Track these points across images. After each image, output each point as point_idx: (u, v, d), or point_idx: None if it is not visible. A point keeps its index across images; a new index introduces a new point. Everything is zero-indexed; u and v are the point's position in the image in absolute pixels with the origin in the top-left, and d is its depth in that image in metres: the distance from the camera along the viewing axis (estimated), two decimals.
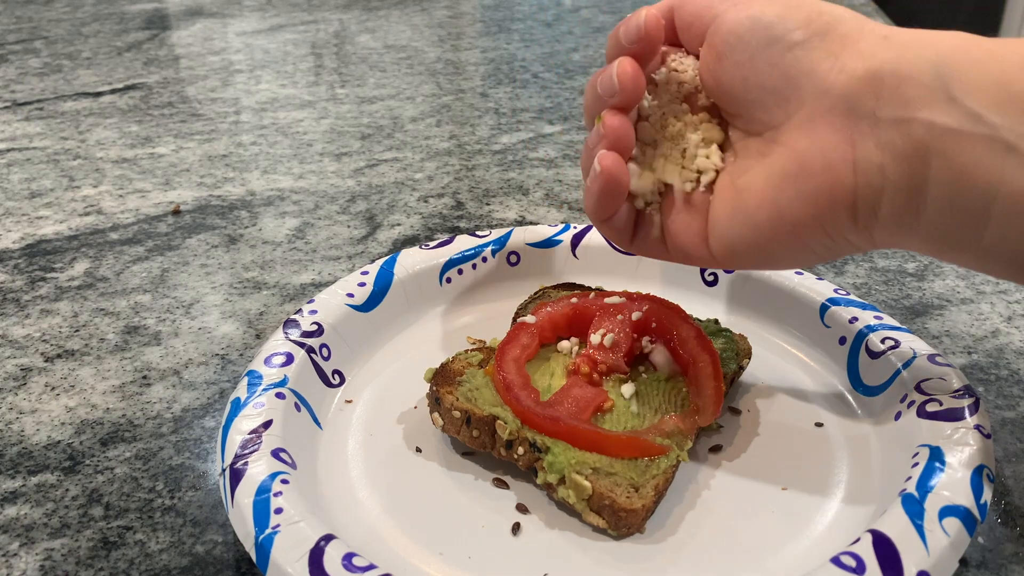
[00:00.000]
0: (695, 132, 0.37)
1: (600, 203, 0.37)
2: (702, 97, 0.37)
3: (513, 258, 0.53)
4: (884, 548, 0.30)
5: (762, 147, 0.35)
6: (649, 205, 0.38)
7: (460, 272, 0.51)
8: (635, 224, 0.39)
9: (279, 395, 0.39)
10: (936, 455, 0.34)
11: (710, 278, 0.51)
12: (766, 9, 0.34)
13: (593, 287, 0.48)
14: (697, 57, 0.37)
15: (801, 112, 0.33)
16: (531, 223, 0.63)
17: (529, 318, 0.43)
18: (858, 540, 0.31)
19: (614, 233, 0.39)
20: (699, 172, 0.37)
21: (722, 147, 0.37)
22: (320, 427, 0.41)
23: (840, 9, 0.34)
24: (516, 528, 0.36)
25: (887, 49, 0.31)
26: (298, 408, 0.40)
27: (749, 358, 0.44)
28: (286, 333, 0.43)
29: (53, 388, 0.46)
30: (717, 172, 0.37)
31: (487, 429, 0.38)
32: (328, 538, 0.31)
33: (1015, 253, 0.30)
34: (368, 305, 0.47)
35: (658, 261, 0.52)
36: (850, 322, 0.44)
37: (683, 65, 0.37)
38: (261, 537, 0.32)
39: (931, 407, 0.37)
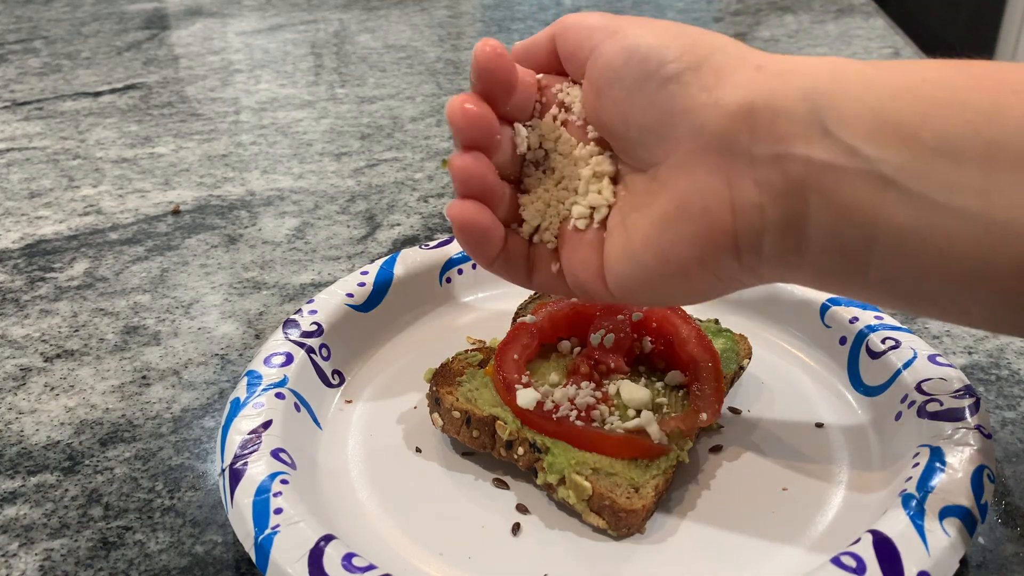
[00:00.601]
0: (586, 167, 0.35)
1: (470, 251, 0.35)
2: (590, 129, 0.35)
3: None
4: (884, 548, 0.30)
5: (647, 185, 0.33)
6: (539, 237, 0.37)
7: (460, 272, 0.51)
8: (530, 259, 0.37)
9: (279, 395, 0.39)
10: (936, 455, 0.34)
11: None
12: (640, 41, 0.32)
13: None
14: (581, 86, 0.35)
15: (679, 151, 0.32)
16: None
17: (529, 318, 0.43)
18: (858, 540, 0.31)
19: (506, 273, 0.37)
20: (592, 208, 0.35)
21: (614, 180, 0.35)
22: (320, 427, 0.41)
23: (720, 39, 0.32)
24: (516, 528, 0.36)
25: (760, 81, 0.30)
26: (298, 408, 0.40)
27: (749, 358, 0.44)
28: (286, 333, 0.43)
29: (52, 388, 0.46)
30: (609, 207, 0.35)
31: (487, 429, 0.38)
32: (328, 538, 0.31)
33: (901, 288, 0.29)
34: (368, 305, 0.47)
35: None
36: (850, 322, 0.44)
37: (569, 97, 0.35)
38: (261, 537, 0.32)
39: (932, 407, 0.37)
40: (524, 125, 0.36)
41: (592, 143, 0.35)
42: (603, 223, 0.35)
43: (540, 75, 0.36)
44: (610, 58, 0.32)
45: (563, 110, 0.36)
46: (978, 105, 0.27)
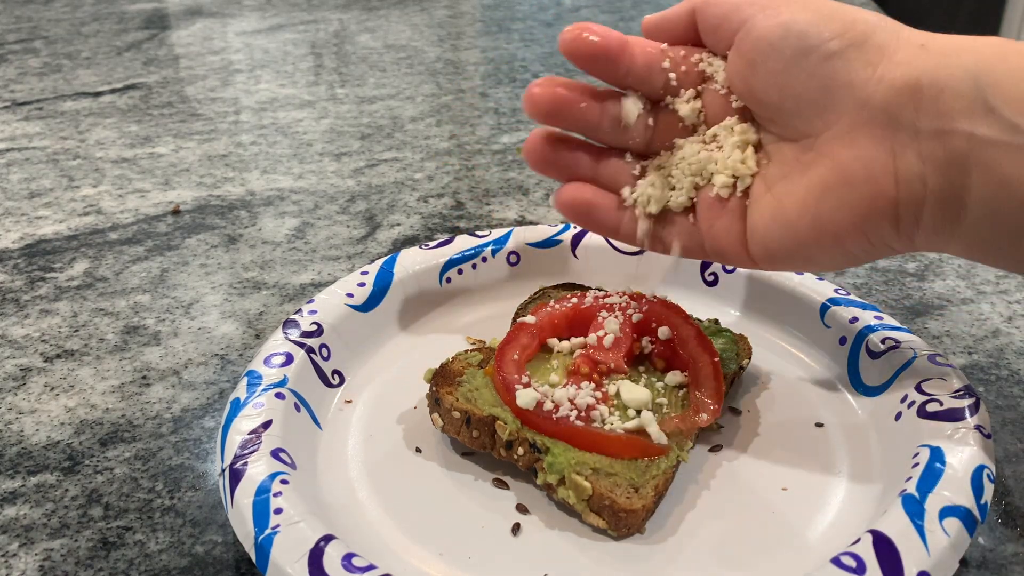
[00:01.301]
0: (731, 135, 0.37)
1: (585, 227, 0.39)
2: (733, 99, 0.37)
3: (513, 258, 0.52)
4: (884, 548, 0.30)
5: (798, 154, 0.35)
6: (674, 201, 0.38)
7: (460, 272, 0.51)
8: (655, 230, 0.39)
9: (279, 395, 0.39)
10: (936, 455, 0.34)
11: (710, 278, 0.51)
12: (797, 16, 0.33)
13: (593, 287, 0.48)
14: (724, 59, 0.37)
15: (840, 123, 0.33)
16: (531, 223, 0.63)
17: (529, 318, 0.43)
18: (858, 540, 0.31)
19: (634, 241, 0.39)
20: (735, 176, 0.37)
21: (756, 148, 0.37)
22: (320, 427, 0.41)
23: (875, 16, 0.33)
24: (516, 528, 0.36)
25: (925, 58, 0.31)
26: (298, 408, 0.40)
27: (749, 358, 0.44)
28: (286, 333, 0.43)
29: (52, 388, 0.46)
30: (753, 176, 0.37)
31: (487, 429, 0.38)
32: (328, 538, 0.31)
33: None
34: (368, 305, 0.47)
35: (658, 261, 0.52)
36: (850, 322, 0.44)
37: (712, 67, 0.37)
38: (261, 537, 0.32)
39: (931, 407, 0.37)
40: (638, 96, 0.38)
41: (734, 114, 0.37)
42: (746, 192, 0.37)
43: (664, 46, 0.37)
44: (765, 31, 0.34)
45: (705, 80, 0.37)
46: None
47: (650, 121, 0.38)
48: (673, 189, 0.38)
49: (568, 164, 0.39)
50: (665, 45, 0.37)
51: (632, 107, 0.38)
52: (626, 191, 0.39)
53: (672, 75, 0.37)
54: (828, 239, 0.34)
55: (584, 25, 0.36)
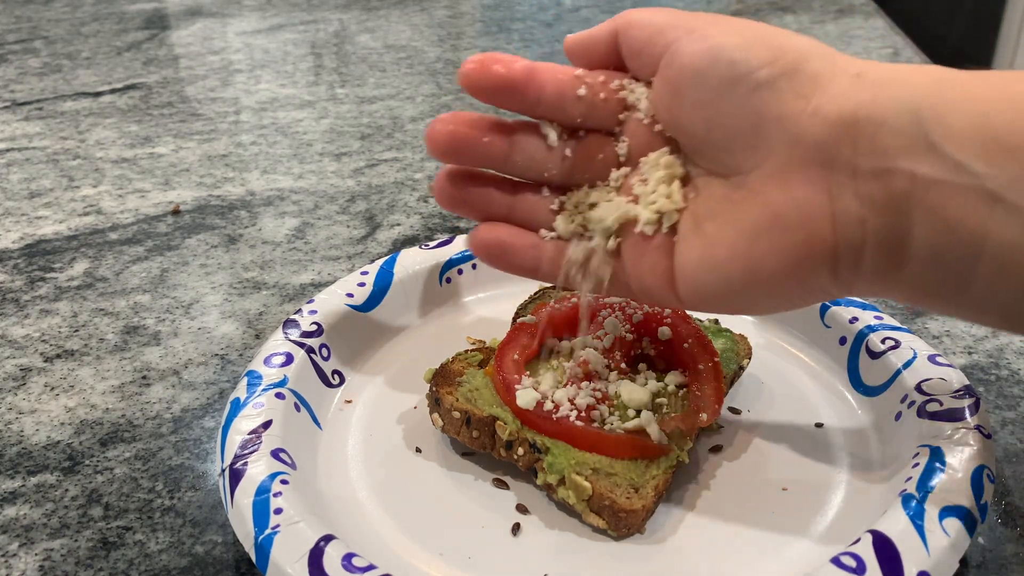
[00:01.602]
0: (656, 169, 0.34)
1: (500, 268, 0.37)
2: (658, 127, 0.34)
3: None
4: (884, 548, 0.30)
5: (729, 191, 0.32)
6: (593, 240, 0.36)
7: (460, 272, 0.51)
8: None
9: (279, 395, 0.39)
10: (936, 455, 0.34)
11: None
12: (726, 41, 0.31)
13: None
14: (648, 85, 0.34)
15: (772, 161, 0.31)
16: None
17: (529, 318, 0.43)
18: (858, 540, 0.31)
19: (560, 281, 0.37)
20: (660, 213, 0.34)
21: (683, 182, 0.34)
22: (320, 427, 0.41)
23: (807, 42, 0.31)
24: (516, 528, 0.36)
25: (861, 90, 0.29)
26: (298, 408, 0.40)
27: (749, 358, 0.44)
28: (286, 333, 0.43)
29: (52, 388, 0.46)
30: (679, 212, 0.34)
31: (487, 430, 0.38)
32: (328, 538, 0.31)
33: (1004, 306, 0.29)
34: (368, 305, 0.47)
35: None
36: (850, 322, 0.44)
37: (634, 95, 0.34)
38: (261, 537, 0.32)
39: (931, 407, 0.37)
40: (552, 125, 0.35)
41: (662, 144, 0.34)
42: (673, 228, 0.34)
43: (580, 71, 0.35)
44: (691, 58, 0.31)
45: (626, 109, 0.35)
46: None
47: (567, 152, 0.35)
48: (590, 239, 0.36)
49: (480, 202, 0.37)
50: (581, 71, 0.35)
51: (552, 136, 0.35)
52: (544, 233, 0.37)
53: (589, 102, 0.35)
54: (761, 286, 0.32)
55: (487, 56, 0.33)
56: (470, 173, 0.37)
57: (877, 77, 0.29)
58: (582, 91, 0.35)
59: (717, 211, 0.33)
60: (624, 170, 0.36)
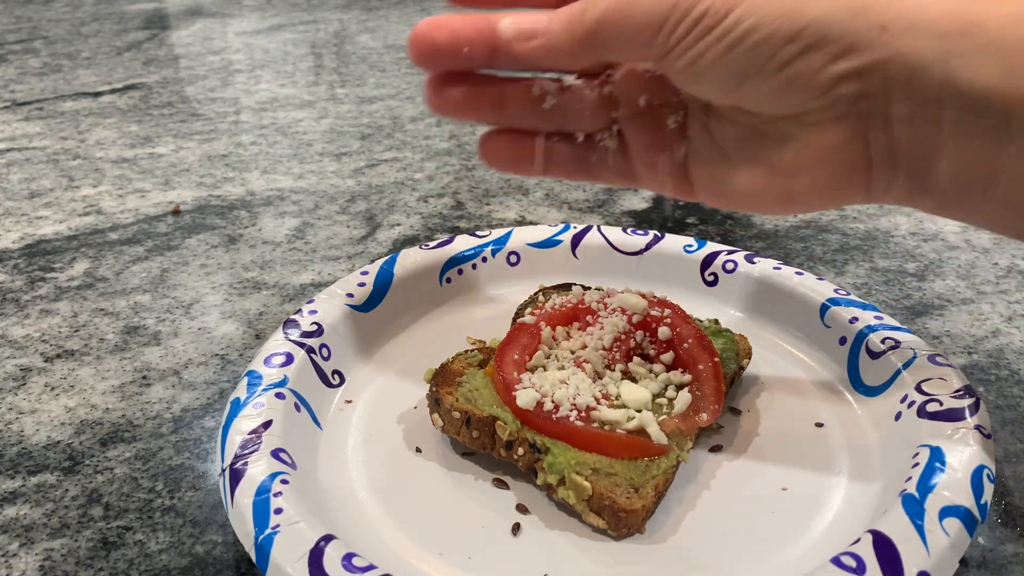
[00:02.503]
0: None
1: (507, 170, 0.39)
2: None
3: (513, 258, 0.52)
4: (884, 548, 0.30)
5: (755, 124, 0.34)
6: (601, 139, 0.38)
7: (460, 272, 0.51)
8: (584, 159, 0.38)
9: (279, 395, 0.39)
10: (936, 455, 0.34)
11: (710, 278, 0.51)
12: (750, 23, 0.31)
13: (593, 287, 0.48)
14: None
15: (807, 115, 0.32)
16: (531, 223, 0.63)
17: (529, 318, 0.43)
18: (858, 540, 0.31)
19: (563, 174, 0.39)
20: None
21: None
22: (320, 427, 0.41)
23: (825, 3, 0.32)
24: (516, 528, 0.36)
25: (889, 41, 0.30)
26: (298, 408, 0.40)
27: (749, 358, 0.44)
28: (286, 333, 0.43)
29: (53, 388, 0.46)
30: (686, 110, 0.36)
31: (487, 430, 0.38)
32: (328, 538, 0.31)
33: (1014, 226, 0.32)
34: (368, 305, 0.47)
35: (658, 261, 0.52)
36: (850, 322, 0.44)
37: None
38: (261, 537, 0.32)
39: (931, 407, 0.37)
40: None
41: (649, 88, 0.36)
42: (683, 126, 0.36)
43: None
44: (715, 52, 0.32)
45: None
46: None
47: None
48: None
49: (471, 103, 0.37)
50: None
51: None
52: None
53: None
54: (795, 208, 0.35)
55: (430, 22, 0.34)
56: (455, 75, 0.36)
57: (905, 25, 0.30)
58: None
59: (742, 141, 0.35)
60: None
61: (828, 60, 0.31)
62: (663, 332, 0.42)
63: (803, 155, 0.33)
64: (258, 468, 0.34)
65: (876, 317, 0.44)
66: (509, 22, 0.34)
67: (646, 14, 0.32)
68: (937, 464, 0.34)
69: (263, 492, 0.33)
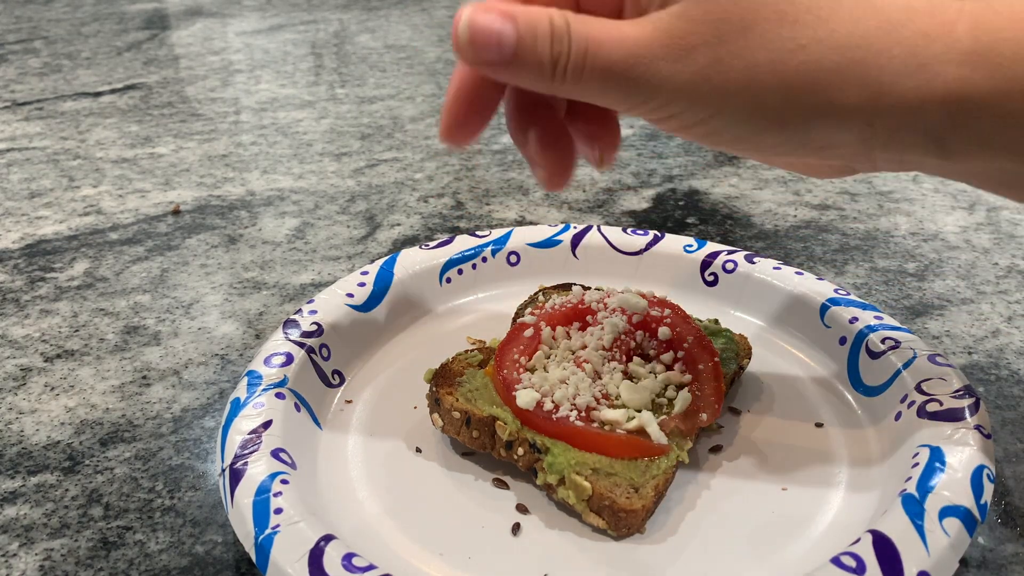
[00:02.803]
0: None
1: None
2: None
3: (513, 258, 0.52)
4: (884, 548, 0.30)
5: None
6: None
7: (460, 272, 0.51)
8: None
9: (279, 395, 0.39)
10: (936, 455, 0.34)
11: (710, 278, 0.51)
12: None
13: (593, 287, 0.48)
14: None
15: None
16: (531, 223, 0.63)
17: (529, 318, 0.43)
18: (858, 540, 0.31)
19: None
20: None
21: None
22: (320, 427, 0.41)
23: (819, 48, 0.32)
24: (516, 528, 0.36)
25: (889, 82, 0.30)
26: (298, 408, 0.40)
27: (749, 358, 0.44)
28: (286, 333, 0.43)
29: (53, 388, 0.46)
30: None
31: (487, 430, 0.38)
32: (328, 538, 0.31)
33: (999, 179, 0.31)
34: (368, 305, 0.47)
35: (658, 261, 0.52)
36: (850, 322, 0.44)
37: None
38: (261, 537, 0.32)
39: (931, 407, 0.37)
40: None
41: None
42: None
43: None
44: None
45: None
46: None
47: None
48: None
49: None
50: None
51: None
52: None
53: None
54: (802, 172, 0.36)
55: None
56: None
57: (908, 50, 0.29)
58: None
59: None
60: None
61: (844, 92, 0.30)
62: (663, 332, 0.42)
63: (805, 144, 0.33)
64: (258, 468, 0.34)
65: (876, 317, 0.44)
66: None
67: None
68: (937, 464, 0.34)
69: (263, 492, 0.33)
